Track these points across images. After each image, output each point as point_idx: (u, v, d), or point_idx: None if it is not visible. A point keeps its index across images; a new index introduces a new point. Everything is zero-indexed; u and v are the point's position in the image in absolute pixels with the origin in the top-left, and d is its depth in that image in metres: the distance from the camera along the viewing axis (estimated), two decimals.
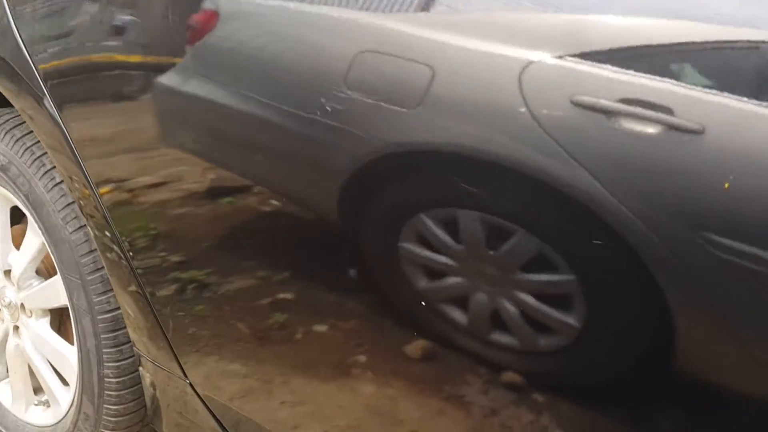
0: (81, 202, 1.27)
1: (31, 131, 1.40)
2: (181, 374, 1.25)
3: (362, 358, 0.99)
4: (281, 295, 1.06)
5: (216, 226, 1.09)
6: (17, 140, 1.41)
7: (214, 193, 1.08)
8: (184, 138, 1.09)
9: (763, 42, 0.66)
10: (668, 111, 0.67)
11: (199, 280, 1.15)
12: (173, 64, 1.07)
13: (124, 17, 1.15)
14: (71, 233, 1.32)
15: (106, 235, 1.23)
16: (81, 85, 1.21)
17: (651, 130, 0.68)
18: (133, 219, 1.19)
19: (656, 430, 0.76)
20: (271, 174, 1.00)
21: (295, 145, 0.94)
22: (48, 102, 1.22)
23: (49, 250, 1.40)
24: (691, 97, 0.67)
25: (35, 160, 1.38)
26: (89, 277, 1.31)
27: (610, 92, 0.70)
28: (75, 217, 1.32)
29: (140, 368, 1.37)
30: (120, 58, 1.15)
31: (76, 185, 1.25)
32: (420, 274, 0.87)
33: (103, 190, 1.20)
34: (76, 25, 1.21)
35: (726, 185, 0.65)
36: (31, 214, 1.40)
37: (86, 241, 1.32)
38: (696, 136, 0.66)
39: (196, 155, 1.08)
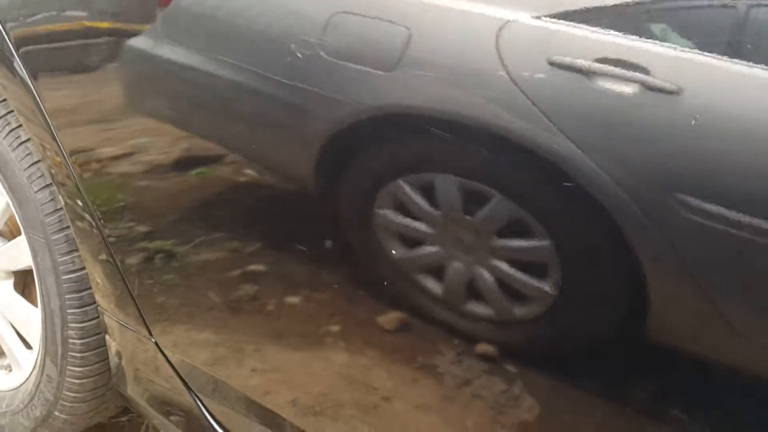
0: (52, 171, 1.25)
1: None
2: (149, 335, 1.25)
3: (335, 328, 0.99)
4: (253, 267, 1.06)
5: (188, 197, 1.09)
6: None
7: (187, 162, 1.07)
8: (155, 104, 1.08)
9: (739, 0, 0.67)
10: (645, 71, 0.67)
11: (170, 250, 1.14)
12: (137, 29, 1.06)
13: None
14: (36, 192, 1.30)
15: (78, 204, 1.22)
16: (53, 52, 1.20)
17: (627, 90, 0.68)
18: (105, 188, 1.18)
19: (631, 398, 0.76)
20: (245, 141, 0.99)
21: (270, 110, 0.93)
22: (20, 69, 1.20)
23: (13, 210, 1.39)
24: (668, 57, 0.67)
25: (0, 118, 1.35)
26: (54, 237, 1.30)
27: (586, 52, 0.70)
28: (40, 176, 1.31)
29: (106, 336, 1.36)
30: (90, 24, 1.14)
31: (48, 153, 1.23)
32: (396, 243, 0.87)
33: (76, 158, 1.19)
34: None
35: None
36: None
37: (51, 200, 1.30)
38: (672, 97, 0.66)
39: (167, 122, 1.07)
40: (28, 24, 1.20)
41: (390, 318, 0.92)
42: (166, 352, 1.24)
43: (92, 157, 1.17)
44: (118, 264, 1.21)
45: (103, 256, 1.23)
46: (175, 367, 1.25)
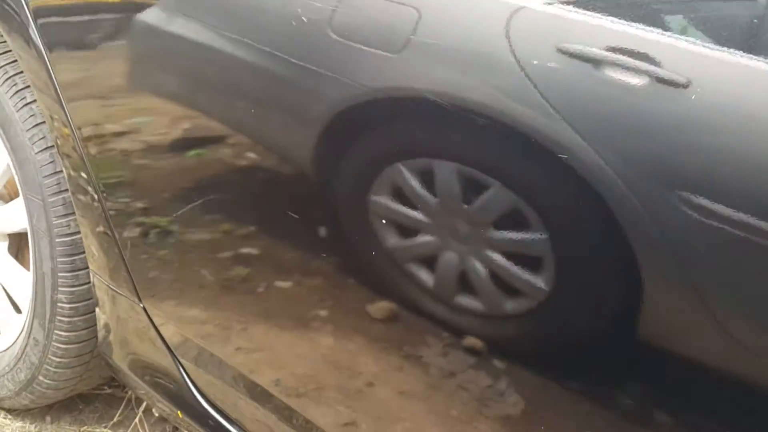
0: (58, 141, 1.26)
1: (6, 51, 1.38)
2: (138, 301, 1.24)
3: (324, 313, 0.99)
4: (246, 249, 1.05)
5: (191, 175, 1.09)
6: None
7: (187, 142, 1.07)
8: (165, 80, 1.08)
9: None
10: (655, 62, 0.67)
11: (167, 227, 1.15)
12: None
13: None
14: (37, 153, 1.30)
15: (81, 176, 1.22)
16: (69, 25, 1.20)
17: (635, 81, 0.67)
18: (109, 162, 1.18)
19: (620, 397, 0.76)
20: (248, 120, 0.99)
21: (278, 89, 0.93)
22: (36, 40, 1.21)
23: (13, 171, 1.39)
24: (679, 49, 0.67)
25: (7, 78, 1.36)
26: (51, 199, 1.30)
27: (596, 41, 0.70)
28: (42, 138, 1.31)
29: (97, 309, 1.36)
30: None
31: (56, 125, 1.24)
32: (390, 230, 0.87)
33: (84, 131, 1.19)
34: None
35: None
36: None
37: (51, 162, 1.30)
38: (681, 90, 0.66)
39: (174, 99, 1.07)
40: None
41: (379, 307, 0.92)
42: (155, 320, 1.24)
43: (99, 131, 1.18)
44: (116, 237, 1.21)
45: (101, 228, 1.23)
46: (163, 336, 1.25)
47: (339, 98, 0.87)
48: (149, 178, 1.15)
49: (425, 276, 0.85)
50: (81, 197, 1.25)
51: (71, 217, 1.29)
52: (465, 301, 0.83)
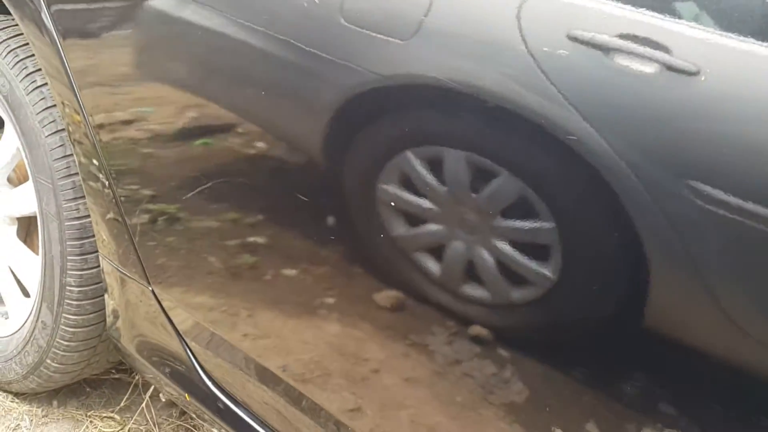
0: (70, 128, 1.26)
1: (17, 35, 1.38)
2: (147, 284, 1.25)
3: (330, 301, 0.99)
4: (254, 238, 1.06)
5: (201, 163, 1.09)
6: (1, 42, 1.39)
7: (204, 130, 1.07)
8: (177, 68, 1.08)
9: None
10: (666, 50, 0.67)
11: (176, 214, 1.15)
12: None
13: None
14: (47, 137, 1.31)
15: (93, 163, 1.23)
16: (82, 12, 1.20)
17: (646, 69, 0.67)
18: (122, 149, 1.18)
19: (627, 384, 0.75)
20: (261, 106, 0.99)
21: (288, 76, 0.93)
22: (49, 27, 1.21)
23: (23, 154, 1.39)
24: (690, 37, 0.66)
25: (18, 62, 1.36)
26: (60, 182, 1.30)
27: (607, 27, 0.69)
28: (52, 121, 1.31)
29: (105, 295, 1.36)
30: None
31: (68, 111, 1.24)
32: (398, 220, 0.87)
33: (96, 118, 1.20)
34: None
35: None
36: (9, 116, 1.39)
37: (61, 145, 1.31)
38: (691, 78, 0.65)
39: (186, 87, 1.07)
40: None
41: (386, 296, 0.92)
42: (165, 305, 1.25)
43: (111, 118, 1.18)
44: (126, 223, 1.21)
45: (112, 215, 1.23)
46: (171, 319, 1.25)
47: (349, 85, 0.87)
48: (159, 166, 1.15)
49: (433, 265, 0.85)
50: (92, 184, 1.25)
51: (81, 201, 1.30)
52: (472, 290, 0.83)
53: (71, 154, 1.29)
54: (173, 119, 1.10)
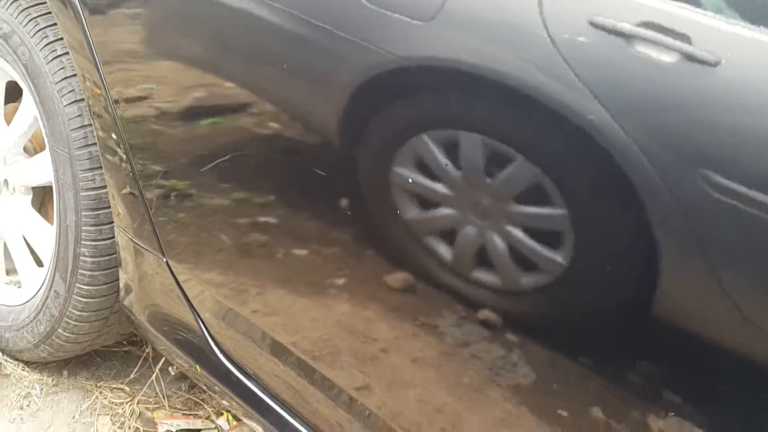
0: (90, 101, 1.27)
1: (38, 3, 1.39)
2: (162, 255, 1.26)
3: (340, 281, 0.99)
4: (265, 217, 1.06)
5: (220, 140, 1.09)
6: (23, 10, 1.40)
7: (220, 108, 1.07)
8: (198, 45, 1.08)
9: None
10: (687, 39, 0.66)
11: (188, 191, 1.15)
12: None
13: None
14: (65, 106, 1.31)
15: (112, 137, 1.23)
16: None
17: (667, 58, 0.67)
18: (141, 125, 1.19)
19: (636, 374, 0.76)
20: (274, 86, 0.99)
21: (306, 54, 0.93)
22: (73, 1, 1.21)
23: (40, 123, 1.40)
24: (711, 27, 0.66)
25: (39, 30, 1.36)
26: (77, 152, 1.31)
27: (629, 15, 0.69)
28: (71, 91, 1.32)
29: (119, 268, 1.37)
30: None
31: (88, 84, 1.25)
32: (412, 203, 0.87)
33: (116, 92, 1.20)
34: None
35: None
36: (28, 85, 1.39)
37: (79, 115, 1.31)
38: (711, 68, 0.65)
39: (204, 65, 1.07)
40: None
41: (397, 277, 0.92)
42: (179, 277, 1.25)
43: (131, 94, 1.18)
44: (144, 197, 1.22)
45: (128, 189, 1.24)
46: (185, 291, 1.26)
47: (368, 65, 0.87)
48: (174, 142, 1.16)
49: (444, 249, 0.85)
50: (109, 157, 1.26)
51: (97, 171, 1.30)
52: (482, 275, 0.83)
53: (89, 124, 1.30)
54: (193, 96, 1.11)
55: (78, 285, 1.38)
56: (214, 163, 1.09)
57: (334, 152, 0.95)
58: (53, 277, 1.43)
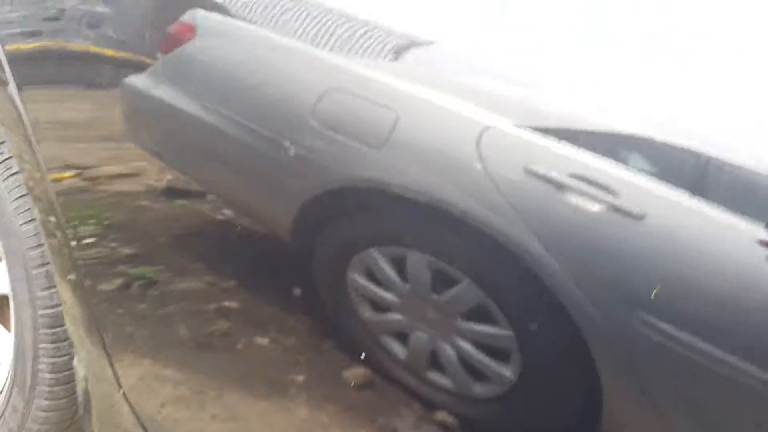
0: (29, 183, 1.27)
1: None
2: (112, 376, 1.25)
3: (300, 378, 1.00)
4: (226, 303, 1.07)
5: (166, 226, 1.10)
6: None
7: (168, 193, 1.08)
8: (146, 138, 1.10)
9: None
10: (614, 193, 0.70)
11: (144, 278, 1.15)
12: (144, 65, 1.08)
13: (103, 11, 1.16)
14: (21, 225, 1.31)
15: (51, 221, 1.23)
16: (46, 69, 1.22)
17: (596, 208, 0.71)
18: (81, 208, 1.19)
19: None
20: (230, 185, 1.01)
21: (259, 163, 0.95)
22: (8, 79, 1.22)
23: None
24: (635, 183, 0.71)
25: None
26: (34, 271, 1.31)
27: (560, 166, 0.73)
28: (27, 209, 1.32)
29: (74, 362, 1.36)
30: (94, 50, 1.16)
31: (27, 166, 1.25)
32: (365, 305, 0.89)
33: (53, 175, 1.20)
34: (53, 11, 1.22)
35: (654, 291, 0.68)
36: None
37: (35, 234, 1.31)
38: (636, 220, 0.69)
39: (156, 156, 1.09)
40: (16, 38, 1.23)
41: (356, 372, 0.94)
42: (128, 392, 1.24)
43: (71, 174, 1.19)
44: (86, 286, 1.22)
45: (72, 276, 1.24)
46: (134, 409, 1.25)
47: (321, 181, 0.89)
48: (124, 226, 1.16)
49: (399, 349, 0.88)
50: (51, 242, 1.25)
51: (54, 290, 1.30)
52: (438, 377, 0.85)
53: (44, 243, 1.30)
54: (135, 181, 1.11)
55: (37, 401, 1.37)
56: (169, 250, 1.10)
57: (290, 248, 0.97)
58: (11, 392, 1.42)
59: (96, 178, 1.17)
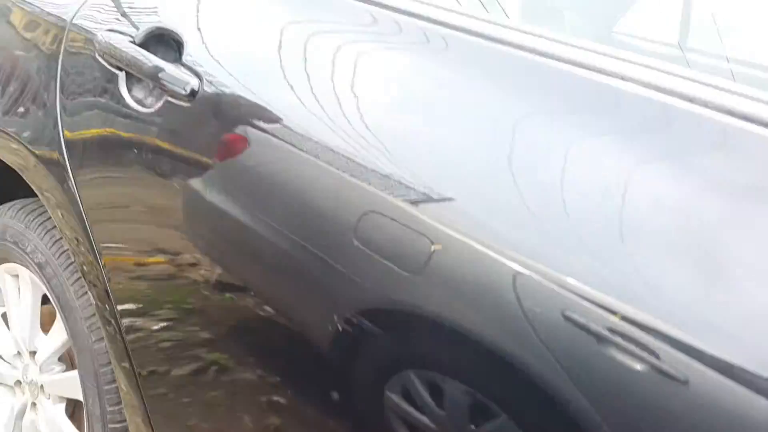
0: (84, 268, 1.32)
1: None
2: None
3: None
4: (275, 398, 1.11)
5: (216, 319, 1.15)
6: (56, 241, 1.49)
7: (218, 286, 1.14)
8: (200, 237, 1.17)
9: None
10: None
11: (197, 368, 1.19)
12: (197, 163, 1.16)
13: None
14: (94, 342, 1.39)
15: (106, 308, 1.29)
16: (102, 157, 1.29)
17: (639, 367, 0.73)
18: (132, 296, 1.24)
19: None
20: (273, 292, 1.07)
21: (306, 275, 1.00)
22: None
23: (73, 351, 1.47)
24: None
25: (70, 264, 1.45)
26: (106, 387, 1.38)
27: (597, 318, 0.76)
28: (99, 327, 1.39)
29: None
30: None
31: (82, 250, 1.31)
32: (403, 425, 0.92)
33: (106, 260, 1.26)
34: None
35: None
36: (61, 316, 1.48)
37: (107, 352, 1.38)
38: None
39: (208, 256, 1.15)
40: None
41: None
42: None
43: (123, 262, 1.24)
44: (137, 374, 1.26)
45: (125, 364, 1.28)
46: None
47: (356, 299, 0.94)
48: (176, 316, 1.20)
49: None
50: (108, 329, 1.30)
51: (121, 406, 1.37)
52: None
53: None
54: (186, 274, 1.17)
55: None
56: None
57: (326, 357, 1.01)
58: None
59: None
